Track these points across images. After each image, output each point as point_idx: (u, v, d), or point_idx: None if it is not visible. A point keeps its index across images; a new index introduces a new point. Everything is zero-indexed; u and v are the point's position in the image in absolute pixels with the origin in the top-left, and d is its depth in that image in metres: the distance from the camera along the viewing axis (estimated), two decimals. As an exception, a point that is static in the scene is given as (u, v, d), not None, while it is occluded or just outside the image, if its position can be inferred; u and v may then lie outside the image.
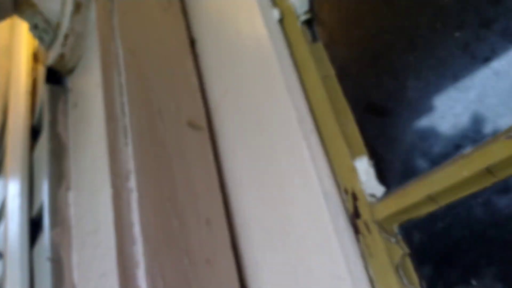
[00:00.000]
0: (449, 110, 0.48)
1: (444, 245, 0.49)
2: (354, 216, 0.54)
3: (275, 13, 0.66)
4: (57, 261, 0.69)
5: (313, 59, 0.61)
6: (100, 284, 0.60)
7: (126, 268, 0.56)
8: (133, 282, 0.55)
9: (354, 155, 0.55)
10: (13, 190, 1.00)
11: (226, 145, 0.71)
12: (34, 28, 0.80)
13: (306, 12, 0.64)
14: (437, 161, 0.48)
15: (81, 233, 0.67)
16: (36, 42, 1.04)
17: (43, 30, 0.78)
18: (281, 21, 0.66)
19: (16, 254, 0.92)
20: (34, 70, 1.01)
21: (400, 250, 0.51)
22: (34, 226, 0.88)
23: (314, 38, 0.63)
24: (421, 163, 0.50)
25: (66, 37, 0.75)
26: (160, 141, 0.66)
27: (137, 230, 0.57)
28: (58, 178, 0.73)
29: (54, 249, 0.70)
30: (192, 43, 0.81)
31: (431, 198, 0.48)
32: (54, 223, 0.71)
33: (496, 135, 0.43)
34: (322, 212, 0.55)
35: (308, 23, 0.64)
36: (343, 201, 0.55)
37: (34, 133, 0.94)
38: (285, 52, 0.64)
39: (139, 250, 0.56)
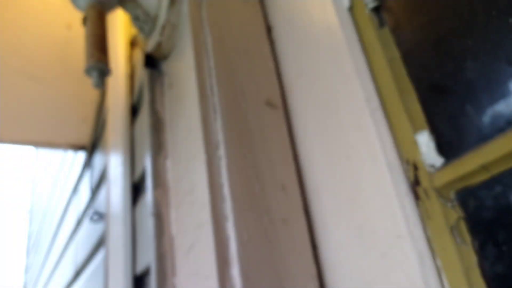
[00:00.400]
0: (502, 90, 0.53)
1: (495, 210, 0.55)
2: (414, 184, 0.61)
3: (345, 1, 0.73)
4: (158, 216, 0.84)
5: (380, 43, 0.68)
6: (195, 234, 0.74)
7: (218, 220, 0.68)
8: (224, 232, 0.68)
9: (416, 129, 0.62)
10: (115, 160, 1.18)
11: (299, 121, 0.81)
12: (135, 19, 0.94)
13: (373, 0, 0.70)
14: (490, 135, 0.54)
15: (178, 193, 0.81)
16: (132, 31, 1.20)
17: (143, 21, 0.92)
18: (350, 8, 0.73)
19: (119, 213, 1.10)
20: (131, 56, 1.17)
21: (455, 213, 0.57)
22: (135, 190, 1.05)
23: (381, 24, 0.69)
24: (476, 137, 0.56)
25: (163, 27, 0.89)
26: (243, 117, 0.78)
27: (226, 190, 0.69)
28: (158, 148, 0.88)
29: (156, 206, 0.85)
30: (269, 30, 0.91)
31: (484, 168, 0.54)
32: (155, 185, 0.86)
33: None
34: (386, 180, 0.63)
35: (376, 10, 0.70)
36: (405, 171, 0.62)
37: (133, 110, 1.10)
38: (354, 37, 0.71)
39: (228, 207, 0.68)
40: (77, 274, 1.90)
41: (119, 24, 1.24)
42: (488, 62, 0.55)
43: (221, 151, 0.72)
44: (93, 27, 0.77)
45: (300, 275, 0.70)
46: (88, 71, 0.72)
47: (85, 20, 0.79)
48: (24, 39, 1.45)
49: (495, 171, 0.53)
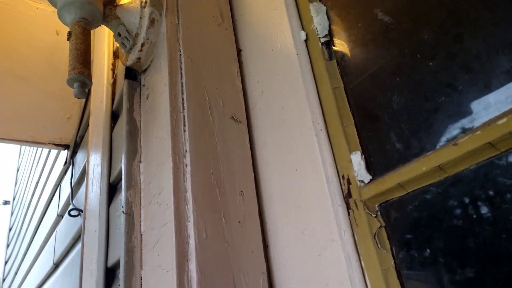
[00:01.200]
0: (419, 121, 0.64)
1: (410, 222, 0.65)
2: (347, 196, 0.72)
3: (302, 34, 0.84)
4: (129, 214, 0.94)
5: (328, 73, 0.78)
6: (161, 232, 0.83)
7: (181, 220, 0.78)
8: (185, 230, 0.77)
9: (351, 149, 0.73)
10: (95, 160, 1.27)
11: (259, 136, 0.91)
12: (118, 35, 1.03)
13: (326, 35, 0.81)
14: (408, 158, 0.65)
15: (148, 195, 0.90)
16: (115, 43, 1.29)
17: (125, 38, 1.01)
18: (306, 41, 0.84)
19: (95, 210, 1.19)
20: (113, 65, 1.26)
21: (378, 223, 0.68)
22: (111, 189, 1.14)
23: (330, 56, 0.80)
24: (397, 159, 0.66)
25: (142, 45, 0.98)
26: (209, 130, 0.87)
27: (189, 194, 0.79)
28: (133, 152, 0.97)
29: (128, 205, 0.94)
30: (238, 52, 1.01)
31: (401, 186, 0.64)
32: (128, 186, 0.95)
33: (446, 143, 0.59)
34: (324, 191, 0.74)
35: (327, 44, 0.81)
36: (341, 185, 0.73)
37: (113, 116, 1.19)
38: (307, 66, 0.82)
39: (190, 208, 0.78)
40: (56, 266, 1.97)
41: (105, 35, 1.33)
42: (410, 97, 0.66)
43: (187, 159, 0.82)
44: (77, 42, 0.86)
45: (252, 271, 0.80)
46: (69, 82, 0.81)
47: (69, 35, 0.88)
48: (13, 42, 1.53)
49: (409, 189, 0.64)
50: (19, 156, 5.64)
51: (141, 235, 0.91)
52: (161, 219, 0.83)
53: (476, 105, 0.59)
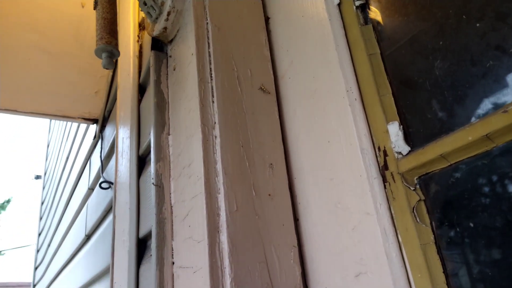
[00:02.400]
0: (464, 88, 0.59)
1: (451, 196, 0.62)
2: (383, 168, 0.69)
3: (336, -2, 0.79)
4: (159, 186, 0.94)
5: (363, 39, 0.74)
6: (191, 204, 0.83)
7: (211, 192, 0.77)
8: (216, 202, 0.77)
9: (388, 120, 0.69)
10: (123, 134, 1.27)
11: (289, 107, 0.88)
12: (143, 4, 1.01)
13: (361, -2, 0.76)
14: (450, 128, 0.61)
15: (178, 166, 0.90)
16: (140, 14, 1.27)
17: (151, 7, 0.99)
18: (339, 5, 0.79)
19: (126, 182, 1.20)
20: (139, 37, 1.24)
21: (417, 196, 0.65)
22: (141, 162, 1.14)
23: (366, 21, 0.75)
24: (439, 129, 0.63)
25: (168, 13, 0.95)
26: (237, 101, 0.85)
27: (219, 166, 0.78)
28: (161, 125, 0.96)
29: (158, 177, 0.94)
30: (267, 20, 0.97)
31: (443, 157, 0.61)
32: (157, 159, 0.95)
33: (495, 110, 0.55)
34: (359, 163, 0.71)
35: (362, 8, 0.76)
36: (376, 156, 0.70)
37: (140, 89, 1.19)
38: (340, 32, 0.77)
39: (220, 180, 0.77)
40: (88, 237, 2.03)
41: (130, 6, 1.30)
42: (454, 62, 0.62)
43: (216, 131, 0.80)
44: (103, 11, 0.84)
45: (283, 244, 0.79)
46: (97, 52, 0.80)
47: (95, 4, 0.86)
48: (39, 15, 1.53)
49: (452, 161, 0.61)
50: (49, 131, 5.81)
51: (172, 206, 0.91)
52: (191, 191, 0.82)
53: (530, 69, 0.54)
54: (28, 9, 1.55)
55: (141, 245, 1.05)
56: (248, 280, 0.72)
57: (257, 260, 0.75)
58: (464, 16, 0.61)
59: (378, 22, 0.74)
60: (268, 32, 0.97)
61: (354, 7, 0.76)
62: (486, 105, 0.57)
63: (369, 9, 0.76)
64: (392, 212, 0.67)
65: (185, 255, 0.81)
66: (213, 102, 0.83)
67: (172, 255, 0.87)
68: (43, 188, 5.67)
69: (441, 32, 0.64)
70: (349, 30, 0.76)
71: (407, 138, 0.67)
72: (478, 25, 0.60)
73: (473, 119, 0.58)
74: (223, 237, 0.74)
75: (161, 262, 0.85)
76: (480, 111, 0.58)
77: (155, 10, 0.98)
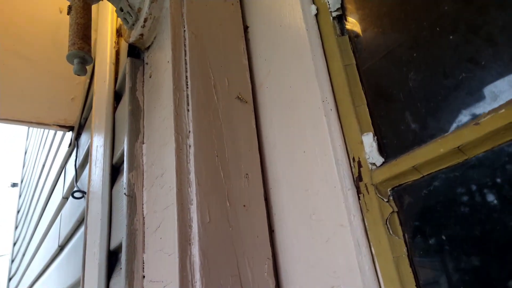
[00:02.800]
0: (437, 100, 0.59)
1: (425, 207, 0.62)
2: (358, 179, 0.68)
3: (313, 9, 0.79)
4: (131, 196, 0.91)
5: (339, 49, 0.74)
6: (163, 215, 0.80)
7: (183, 203, 0.75)
8: (188, 214, 0.74)
9: (363, 131, 0.69)
10: (98, 142, 1.24)
11: (266, 116, 0.87)
12: (120, 10, 0.99)
13: (337, 9, 0.76)
14: (424, 140, 0.60)
15: (151, 176, 0.87)
16: (118, 20, 1.25)
17: (127, 13, 0.97)
18: (316, 15, 0.79)
19: (98, 192, 1.17)
20: (117, 43, 1.22)
21: (390, 208, 0.64)
22: (114, 171, 1.11)
23: (342, 32, 0.75)
24: (412, 141, 0.62)
25: (145, 20, 0.94)
26: (213, 110, 0.84)
27: (192, 176, 0.76)
28: (135, 133, 0.94)
29: (130, 187, 0.91)
30: (245, 29, 0.97)
31: (416, 169, 0.61)
32: (131, 168, 0.92)
33: (467, 122, 0.55)
34: (333, 174, 0.70)
35: (339, 18, 0.76)
36: (351, 167, 0.69)
37: (116, 96, 1.16)
38: (317, 42, 0.77)
39: (193, 191, 0.75)
40: (61, 248, 1.97)
41: (108, 12, 1.28)
42: (428, 73, 0.62)
43: (190, 140, 0.78)
44: (77, 16, 0.82)
45: (257, 256, 0.78)
46: (69, 58, 0.78)
47: (69, 9, 0.84)
48: (16, 20, 1.49)
49: (425, 172, 0.60)
50: (27, 138, 5.67)
51: (144, 217, 0.88)
52: (164, 201, 0.80)
53: (501, 82, 0.54)
54: (5, 13, 1.52)
55: (112, 257, 1.02)
56: (219, 294, 0.70)
57: (229, 274, 0.73)
58: (437, 29, 0.61)
59: (354, 33, 0.74)
60: (247, 40, 0.96)
61: (331, 17, 0.76)
62: (459, 117, 0.57)
63: (346, 20, 0.76)
64: (366, 224, 0.66)
65: (156, 269, 0.79)
66: (188, 110, 0.81)
67: (143, 268, 0.84)
68: (19, 196, 5.51)
69: (415, 44, 0.64)
70: (325, 40, 0.76)
71: (381, 149, 0.66)
72: (451, 37, 0.60)
73: (445, 131, 0.58)
74: (195, 250, 0.71)
75: (131, 275, 0.82)
76: (453, 123, 0.58)
77: (131, 16, 0.96)
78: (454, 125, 0.57)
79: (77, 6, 0.83)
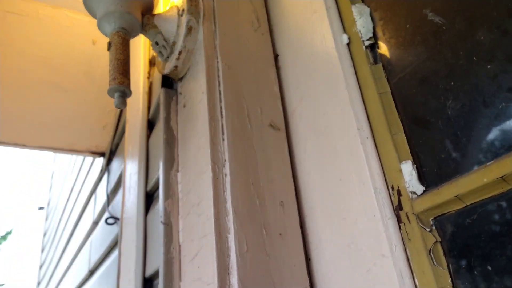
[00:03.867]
0: (477, 128, 0.59)
1: (469, 237, 0.61)
2: (398, 208, 0.68)
3: (344, 38, 0.81)
4: (168, 224, 0.92)
5: (373, 78, 0.75)
6: (201, 243, 0.81)
7: (221, 232, 0.76)
8: (226, 242, 0.75)
9: (401, 159, 0.69)
10: (131, 169, 1.27)
11: (299, 143, 0.88)
12: (155, 44, 1.03)
13: (370, 38, 0.77)
14: (465, 169, 0.60)
15: (187, 205, 0.89)
16: (151, 51, 1.30)
17: (162, 47, 1.01)
18: (348, 44, 0.80)
19: (133, 218, 1.19)
20: (149, 73, 1.26)
21: (433, 238, 0.63)
22: (148, 198, 1.13)
23: (375, 60, 0.76)
24: (453, 169, 0.62)
25: (180, 53, 0.97)
26: (247, 138, 0.85)
27: (229, 204, 0.77)
28: (170, 161, 0.96)
29: (166, 215, 0.93)
30: (276, 57, 0.99)
31: (459, 198, 0.60)
32: (166, 196, 0.94)
33: (510, 152, 0.54)
34: (372, 203, 0.70)
35: (371, 47, 0.77)
36: (390, 196, 0.69)
37: (149, 125, 1.19)
38: (350, 71, 0.78)
39: (230, 220, 0.76)
40: (91, 273, 1.99)
41: (140, 44, 1.34)
42: (467, 102, 0.62)
43: (226, 169, 0.80)
44: (116, 52, 0.86)
45: (294, 285, 0.77)
46: (110, 92, 0.81)
47: (109, 45, 0.88)
48: (52, 52, 1.57)
49: (468, 202, 0.60)
50: (54, 161, 5.83)
51: (180, 246, 0.89)
52: (201, 230, 0.81)
53: (544, 111, 0.54)
54: (41, 45, 1.60)
55: (147, 285, 1.03)
56: (259, 325, 0.70)
57: (268, 303, 0.72)
58: (474, 58, 0.62)
59: (388, 61, 0.75)
60: (278, 69, 0.98)
61: (364, 46, 0.77)
62: (501, 146, 0.57)
63: (378, 48, 0.77)
64: (408, 254, 0.65)
65: (194, 297, 0.79)
66: (223, 139, 0.83)
67: (180, 296, 0.85)
68: (46, 219, 5.62)
69: (451, 73, 0.64)
70: (359, 69, 0.77)
71: (421, 178, 0.66)
72: (489, 67, 0.60)
73: (487, 160, 0.58)
74: (234, 280, 0.72)
75: (168, 304, 0.83)
76: (495, 152, 0.57)
77: (166, 49, 1.00)
78: (497, 154, 0.57)
79: (116, 42, 0.87)
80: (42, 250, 5.32)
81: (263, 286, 0.73)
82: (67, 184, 3.60)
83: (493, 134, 0.57)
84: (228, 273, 0.73)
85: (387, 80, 0.74)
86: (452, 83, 0.64)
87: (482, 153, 0.58)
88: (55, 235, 4.05)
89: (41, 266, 5.13)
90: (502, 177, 0.54)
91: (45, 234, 5.45)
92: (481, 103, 0.60)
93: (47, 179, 6.38)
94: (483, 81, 0.60)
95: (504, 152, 0.55)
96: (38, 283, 5.05)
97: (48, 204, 5.75)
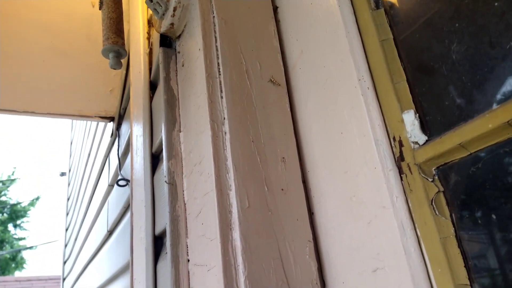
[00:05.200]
0: (484, 72, 0.56)
1: (473, 185, 0.59)
2: (399, 159, 0.66)
3: (345, -17, 0.76)
4: (172, 184, 0.93)
5: (374, 24, 0.71)
6: (203, 201, 0.82)
7: (222, 189, 0.76)
8: (227, 199, 0.75)
9: (403, 109, 0.66)
10: (137, 131, 1.27)
11: (300, 98, 0.86)
12: (149, 1, 0.99)
13: (371, -18, 0.72)
14: (469, 116, 0.57)
15: (189, 164, 0.89)
16: (149, 11, 1.26)
17: (157, 3, 0.98)
18: (349, -10, 0.76)
19: (141, 180, 1.20)
20: (149, 34, 1.23)
21: (436, 188, 0.62)
22: (153, 159, 1.14)
23: (377, 5, 0.72)
24: (457, 117, 0.59)
25: (174, 9, 0.94)
26: (247, 95, 0.83)
27: (229, 162, 0.77)
28: (172, 122, 0.95)
29: (170, 175, 0.93)
30: (275, 9, 0.94)
31: (462, 146, 0.58)
32: (169, 156, 0.94)
33: (517, 95, 0.51)
34: (373, 155, 0.68)
35: (373, -9, 0.73)
36: (391, 147, 0.67)
37: (152, 86, 1.18)
38: (350, 18, 0.74)
39: (231, 177, 0.76)
40: (110, 233, 2.07)
41: (139, 4, 1.30)
42: (472, 44, 0.58)
43: (226, 127, 0.79)
44: (108, 11, 0.84)
45: (298, 239, 0.78)
46: (104, 53, 0.79)
47: (101, 4, 0.85)
48: (52, 16, 1.54)
49: (472, 150, 0.57)
50: (72, 129, 5.93)
51: (185, 204, 0.90)
52: (203, 188, 0.81)
53: (555, 49, 0.50)
54: (41, 10, 1.57)
55: (158, 242, 1.06)
56: (262, 278, 0.71)
57: (271, 257, 0.73)
58: (481, -5, 0.57)
59: (390, 6, 0.70)
60: (277, 21, 0.94)
61: (364, -9, 0.73)
62: (507, 89, 0.54)
63: (380, -8, 0.72)
64: (410, 205, 0.64)
65: (199, 253, 0.81)
66: (221, 97, 0.81)
67: (187, 252, 0.87)
68: (68, 184, 5.81)
69: (456, 14, 0.60)
70: (359, 15, 0.73)
71: (424, 127, 0.63)
72: (496, 4, 0.56)
73: (493, 105, 0.55)
74: (236, 235, 0.72)
75: (176, 259, 0.85)
76: (501, 96, 0.54)
77: (161, 6, 0.96)
78: (503, 98, 0.54)
79: (108, 0, 0.84)
80: (67, 214, 5.54)
81: (266, 240, 0.74)
82: (84, 150, 3.67)
83: (500, 77, 0.54)
84: (230, 228, 0.73)
85: (390, 26, 0.70)
86: (457, 25, 0.60)
87: (488, 98, 0.55)
88: (77, 199, 4.20)
89: (66, 229, 5.36)
90: (508, 121, 0.51)
91: (68, 199, 5.65)
92: (487, 44, 0.56)
93: (67, 147, 6.52)
94: (489, 21, 0.56)
95: (511, 95, 0.52)
96: (65, 245, 5.29)
97: (69, 170, 5.92)
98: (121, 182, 1.53)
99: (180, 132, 0.95)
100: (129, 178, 1.50)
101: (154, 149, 1.13)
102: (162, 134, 0.96)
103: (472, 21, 0.58)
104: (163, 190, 1.03)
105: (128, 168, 1.59)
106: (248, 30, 0.89)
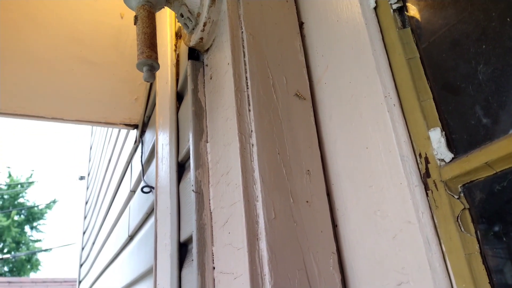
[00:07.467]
0: (509, 95, 0.57)
1: (498, 204, 0.60)
2: (425, 176, 0.67)
3: (371, 2, 0.78)
4: (199, 193, 0.96)
5: (401, 43, 0.73)
6: (230, 211, 0.84)
7: (250, 199, 0.78)
8: (254, 210, 0.78)
9: (429, 126, 0.67)
10: (163, 140, 1.31)
11: (325, 112, 0.88)
12: (180, 16, 1.03)
13: (398, 1, 0.74)
14: (495, 135, 0.58)
15: (216, 174, 0.92)
16: (177, 23, 1.30)
17: (187, 18, 1.01)
18: (375, 8, 0.78)
19: (166, 187, 1.24)
20: (176, 46, 1.27)
21: (461, 205, 0.63)
22: (179, 168, 1.17)
23: (404, 24, 0.74)
24: (483, 136, 0.60)
25: (204, 24, 0.97)
26: (274, 108, 0.86)
27: (256, 174, 0.79)
28: (199, 132, 0.98)
29: (197, 184, 0.96)
30: (301, 25, 0.97)
31: (488, 165, 0.59)
32: (197, 165, 0.97)
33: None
34: (399, 170, 0.69)
35: (399, 10, 0.75)
36: (417, 164, 0.68)
37: (178, 97, 1.22)
38: (377, 36, 0.76)
39: (258, 188, 0.78)
40: (131, 238, 2.11)
41: (166, 17, 1.34)
42: (499, 66, 0.60)
43: (253, 139, 0.81)
44: (143, 26, 0.87)
45: (322, 251, 0.79)
46: (138, 66, 0.83)
47: (136, 19, 0.90)
48: (80, 27, 1.60)
49: (498, 169, 0.59)
50: (91, 134, 6.06)
51: (211, 213, 0.93)
52: (230, 198, 0.84)
53: None
54: (70, 21, 1.63)
55: (182, 249, 1.09)
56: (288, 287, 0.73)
57: (296, 267, 0.75)
58: (508, 19, 0.59)
59: (417, 25, 0.72)
60: (303, 37, 0.96)
61: (391, 10, 0.75)
62: (535, 110, 0.55)
63: (406, 11, 0.74)
64: (435, 220, 0.65)
65: (226, 261, 0.83)
66: (249, 110, 0.84)
67: (213, 260, 0.89)
68: (87, 188, 5.92)
69: (483, 36, 0.61)
70: (386, 34, 0.75)
71: (450, 145, 0.65)
72: (524, 26, 0.57)
73: (520, 125, 0.56)
74: (262, 245, 0.75)
75: (202, 267, 0.88)
76: (528, 117, 0.55)
77: (191, 21, 1.00)
78: (531, 119, 0.55)
79: (142, 16, 0.88)
80: (85, 218, 5.63)
81: (291, 250, 0.76)
82: (105, 156, 3.75)
83: (526, 99, 0.55)
84: (257, 238, 0.76)
85: (416, 45, 0.71)
86: (484, 46, 0.61)
87: (514, 119, 0.57)
88: (96, 203, 4.28)
89: (84, 232, 5.45)
90: (534, 143, 0.53)
91: (86, 203, 5.75)
92: (514, 66, 0.57)
93: (86, 152, 6.65)
94: (518, 43, 0.57)
95: (537, 117, 0.54)
96: (82, 248, 5.38)
97: (88, 174, 6.03)
98: (145, 189, 1.57)
99: (207, 142, 0.98)
100: (152, 184, 1.54)
101: (180, 158, 1.16)
102: (189, 143, 0.99)
103: (499, 43, 0.59)
104: (189, 198, 1.07)
105: (151, 175, 1.63)
106: (274, 45, 0.92)
